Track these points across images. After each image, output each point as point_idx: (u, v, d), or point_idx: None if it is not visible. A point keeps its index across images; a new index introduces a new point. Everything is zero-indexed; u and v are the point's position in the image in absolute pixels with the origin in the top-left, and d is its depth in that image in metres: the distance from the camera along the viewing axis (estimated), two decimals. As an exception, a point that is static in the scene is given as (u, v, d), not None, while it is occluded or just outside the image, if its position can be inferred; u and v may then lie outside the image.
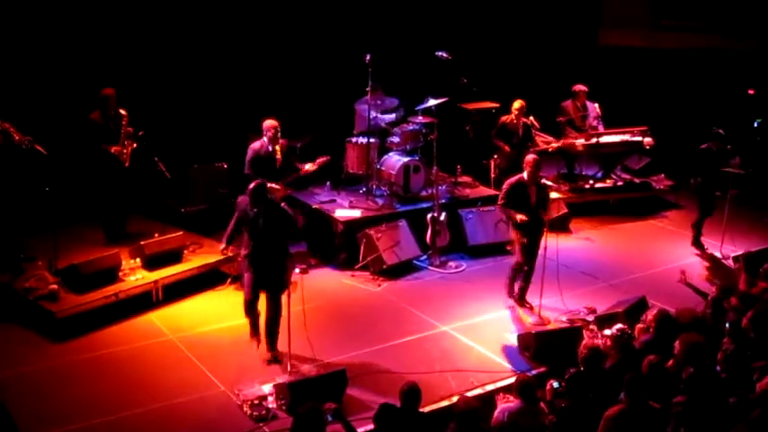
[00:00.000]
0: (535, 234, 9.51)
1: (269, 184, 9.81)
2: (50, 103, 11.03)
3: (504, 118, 12.50)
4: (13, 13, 10.85)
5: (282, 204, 8.74)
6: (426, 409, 7.51)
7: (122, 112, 10.52)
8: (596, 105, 13.56)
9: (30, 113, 10.29)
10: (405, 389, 6.72)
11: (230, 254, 9.50)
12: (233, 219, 8.70)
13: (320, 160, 10.55)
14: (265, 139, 10.15)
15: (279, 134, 10.17)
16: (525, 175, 9.46)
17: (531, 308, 9.77)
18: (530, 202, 9.42)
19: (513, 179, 9.57)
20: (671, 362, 7.30)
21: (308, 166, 10.45)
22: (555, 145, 12.44)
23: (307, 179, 11.26)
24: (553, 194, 10.57)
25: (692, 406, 6.52)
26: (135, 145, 10.61)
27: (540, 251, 9.56)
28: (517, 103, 12.21)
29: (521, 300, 9.88)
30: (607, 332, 8.57)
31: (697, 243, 11.87)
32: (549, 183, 9.77)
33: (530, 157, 9.62)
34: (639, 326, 8.47)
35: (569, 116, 13.30)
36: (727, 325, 7.88)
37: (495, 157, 12.49)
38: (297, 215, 8.64)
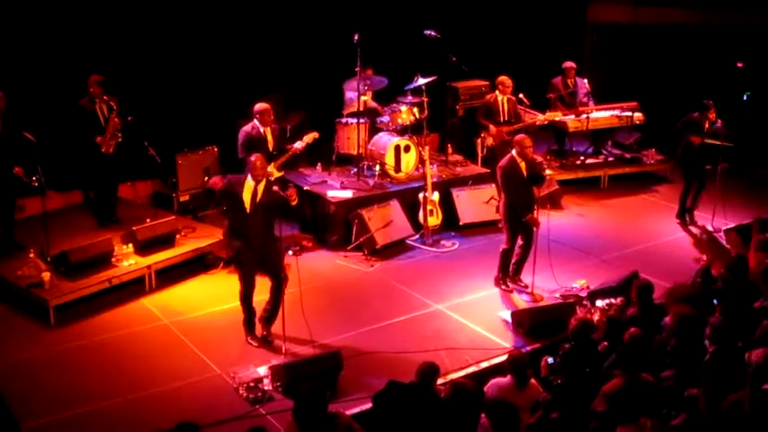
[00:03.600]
0: (528, 209, 9.51)
1: None
2: (39, 90, 10.95)
3: (488, 97, 12.51)
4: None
5: (275, 188, 8.73)
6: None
7: (113, 104, 10.46)
8: (585, 81, 13.57)
9: (19, 100, 10.23)
10: (424, 367, 6.73)
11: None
12: (217, 198, 8.70)
13: (308, 138, 10.51)
14: (256, 121, 10.15)
15: (271, 117, 10.20)
16: (514, 152, 9.48)
17: (526, 286, 9.80)
18: (523, 178, 9.45)
19: (504, 161, 9.56)
20: (663, 335, 7.35)
21: (297, 145, 10.43)
22: (540, 118, 12.37)
23: (297, 159, 11.22)
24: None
25: (681, 379, 6.58)
26: (120, 138, 10.57)
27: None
28: (500, 80, 12.21)
29: (514, 277, 9.91)
30: (599, 303, 8.63)
31: (681, 216, 11.90)
32: (538, 158, 9.74)
33: (518, 136, 9.64)
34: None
35: (559, 92, 13.30)
36: (715, 301, 7.94)
37: (483, 135, 12.47)
38: (290, 192, 8.50)
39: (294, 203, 8.45)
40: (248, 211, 8.33)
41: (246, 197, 8.32)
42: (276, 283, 8.55)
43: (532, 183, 9.44)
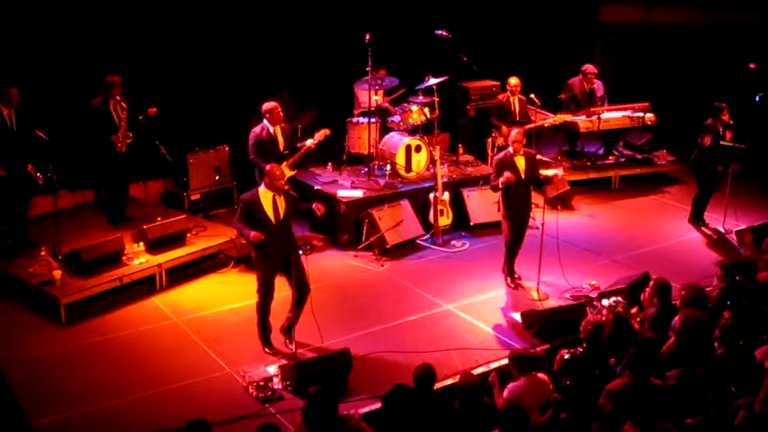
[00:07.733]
0: (524, 207, 9.54)
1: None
2: (52, 89, 11.00)
3: (500, 97, 12.51)
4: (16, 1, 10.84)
5: (286, 187, 8.72)
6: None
7: (124, 104, 10.47)
8: (601, 84, 13.51)
9: (33, 99, 10.27)
10: (419, 371, 6.71)
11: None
12: (238, 217, 8.23)
13: (319, 135, 10.35)
14: (265, 121, 10.13)
15: (280, 115, 10.13)
16: (511, 149, 9.48)
17: (519, 277, 9.88)
18: (519, 174, 9.44)
19: (500, 155, 9.62)
20: (672, 338, 7.32)
21: (309, 143, 10.32)
22: (550, 121, 12.35)
23: (308, 158, 11.17)
24: (551, 171, 10.57)
25: (687, 379, 6.55)
26: (131, 137, 10.58)
27: (536, 225, 9.56)
28: (512, 81, 12.21)
29: (509, 274, 9.94)
30: (605, 302, 8.62)
31: (694, 219, 11.83)
32: (535, 153, 9.72)
33: (513, 132, 9.64)
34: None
35: (573, 93, 13.24)
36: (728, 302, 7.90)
37: (494, 135, 12.46)
38: (316, 205, 8.79)
39: (320, 215, 8.84)
40: (274, 223, 8.15)
41: (269, 210, 8.12)
42: (300, 295, 8.38)
43: (531, 183, 9.51)
